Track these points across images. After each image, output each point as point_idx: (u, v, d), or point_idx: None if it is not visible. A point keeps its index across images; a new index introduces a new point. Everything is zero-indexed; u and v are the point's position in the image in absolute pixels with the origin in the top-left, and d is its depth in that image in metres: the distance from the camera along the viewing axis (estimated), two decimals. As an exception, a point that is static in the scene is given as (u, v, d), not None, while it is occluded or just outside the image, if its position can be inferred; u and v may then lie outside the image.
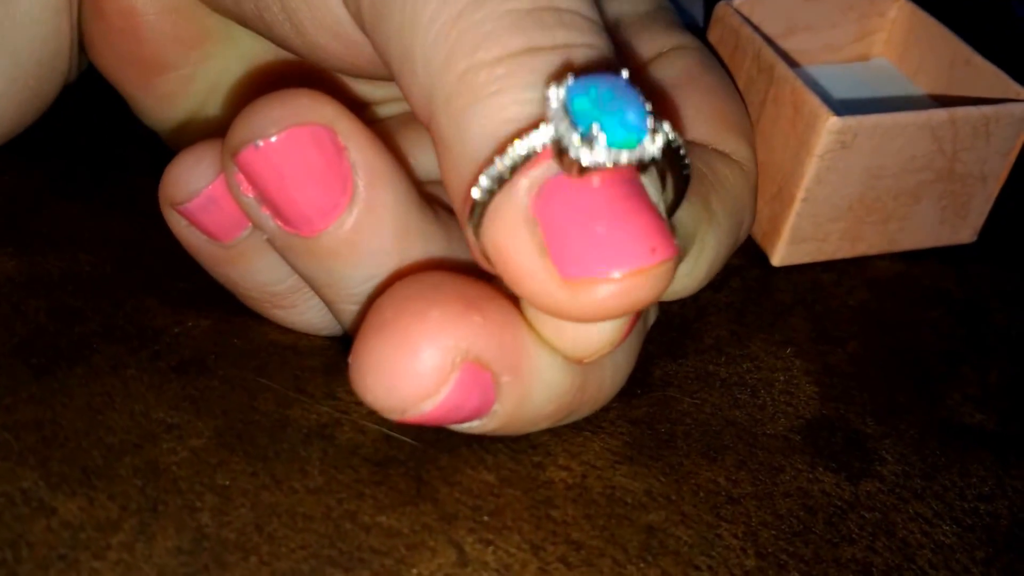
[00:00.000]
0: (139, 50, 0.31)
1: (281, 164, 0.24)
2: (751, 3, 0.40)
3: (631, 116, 0.20)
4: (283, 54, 0.32)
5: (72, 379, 0.29)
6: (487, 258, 0.23)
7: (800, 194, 0.35)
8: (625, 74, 0.21)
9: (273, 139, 0.24)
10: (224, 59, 0.32)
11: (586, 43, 0.22)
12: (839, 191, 0.35)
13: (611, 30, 0.29)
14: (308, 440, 0.28)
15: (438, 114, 0.22)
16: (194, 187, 0.27)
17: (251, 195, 0.25)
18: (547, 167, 0.21)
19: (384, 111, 0.33)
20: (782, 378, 0.33)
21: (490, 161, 0.21)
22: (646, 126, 0.21)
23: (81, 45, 0.32)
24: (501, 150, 0.21)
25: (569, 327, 0.24)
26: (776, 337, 0.34)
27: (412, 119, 0.31)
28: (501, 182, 0.21)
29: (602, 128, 0.20)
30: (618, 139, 0.20)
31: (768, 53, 0.37)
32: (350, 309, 0.27)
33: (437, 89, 0.22)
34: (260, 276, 0.29)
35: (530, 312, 0.24)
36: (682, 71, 0.30)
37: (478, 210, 0.22)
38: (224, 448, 0.27)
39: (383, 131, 0.31)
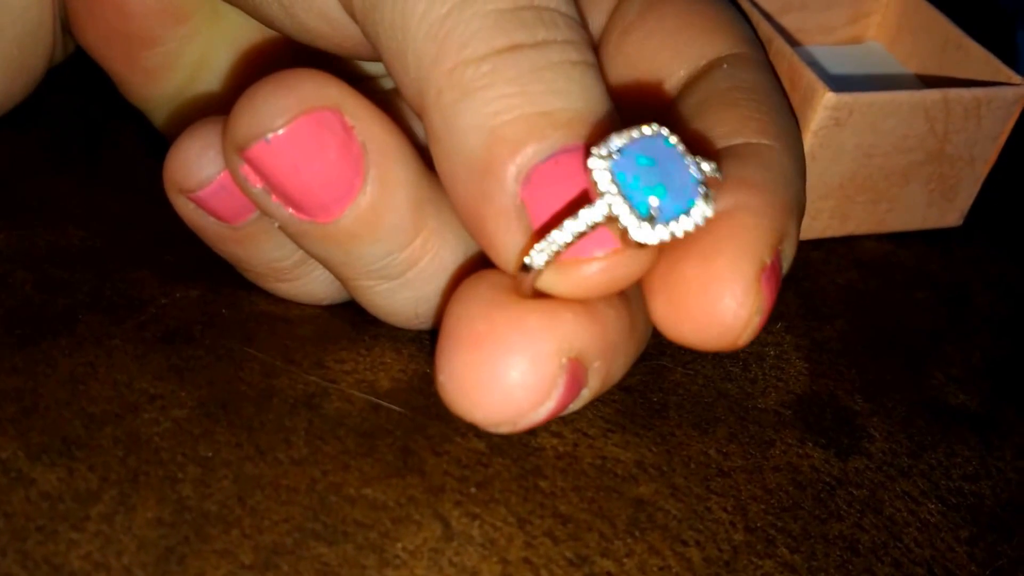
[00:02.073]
0: (124, 25, 0.30)
1: (293, 155, 0.23)
2: None
3: (684, 182, 0.21)
4: (269, 31, 0.31)
5: (55, 349, 0.27)
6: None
7: None
8: (664, 131, 0.22)
9: (281, 131, 0.23)
10: (211, 35, 0.31)
11: (565, 39, 0.23)
12: (831, 169, 0.35)
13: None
14: (294, 410, 0.27)
15: (429, 108, 0.23)
16: (205, 174, 0.26)
17: (260, 186, 0.24)
18: (531, 155, 0.22)
19: (385, 84, 0.32)
20: (773, 352, 0.32)
21: (546, 231, 0.22)
22: (698, 192, 0.21)
23: (66, 24, 0.31)
24: (508, 155, 0.22)
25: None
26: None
27: None
28: (556, 255, 0.22)
29: (660, 206, 0.21)
30: (675, 212, 0.21)
31: (766, 27, 0.36)
32: (367, 284, 0.27)
33: (427, 84, 0.23)
34: (267, 254, 0.28)
35: None
36: None
37: (531, 276, 0.22)
38: (208, 419, 0.26)
39: (384, 103, 0.29)
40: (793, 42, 0.41)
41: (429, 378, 0.28)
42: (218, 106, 0.31)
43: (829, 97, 0.33)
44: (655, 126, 0.22)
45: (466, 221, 0.23)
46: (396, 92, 0.31)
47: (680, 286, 0.23)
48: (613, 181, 0.21)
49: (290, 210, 0.24)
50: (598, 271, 0.22)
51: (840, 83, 0.33)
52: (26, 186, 0.33)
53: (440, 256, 0.26)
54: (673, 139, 0.22)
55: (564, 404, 0.24)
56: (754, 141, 0.25)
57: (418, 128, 0.29)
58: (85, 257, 0.31)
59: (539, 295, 0.23)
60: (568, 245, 0.21)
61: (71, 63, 0.32)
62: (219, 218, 0.27)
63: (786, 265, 0.25)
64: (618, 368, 0.25)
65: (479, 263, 0.27)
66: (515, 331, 0.23)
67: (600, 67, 0.24)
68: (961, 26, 0.38)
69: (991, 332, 0.35)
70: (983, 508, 0.28)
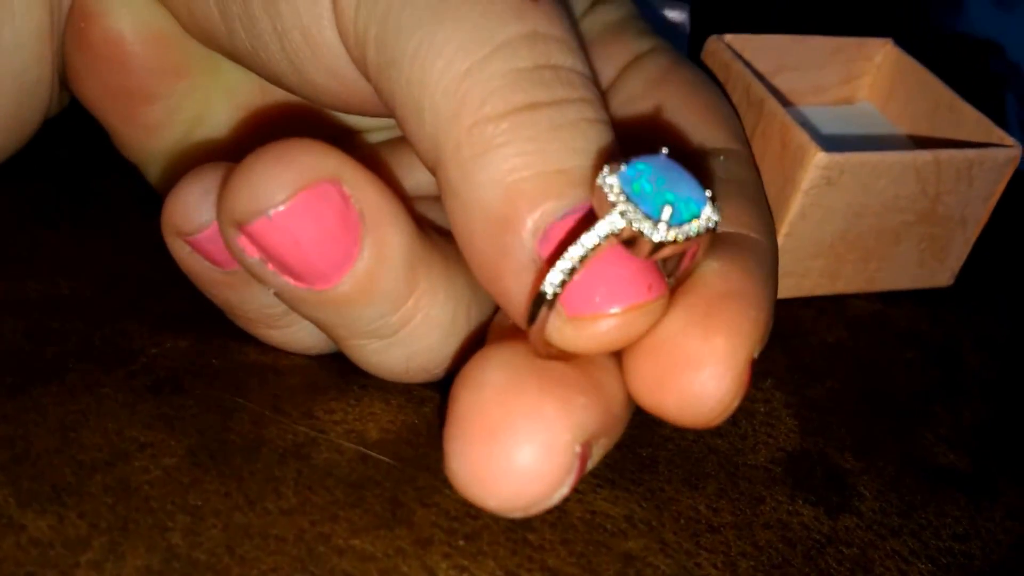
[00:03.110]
0: (124, 80, 0.30)
1: (292, 230, 0.23)
2: (742, 40, 0.39)
3: (689, 191, 0.21)
4: (268, 85, 0.31)
5: (46, 397, 0.27)
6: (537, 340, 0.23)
7: (784, 229, 0.34)
8: (665, 150, 0.22)
9: (283, 207, 0.23)
10: (209, 90, 0.31)
11: (582, 98, 0.23)
12: (822, 227, 0.34)
13: (587, 45, 0.29)
14: (283, 460, 0.26)
15: (446, 162, 0.23)
16: (204, 219, 0.26)
17: (257, 256, 0.24)
18: (548, 212, 0.22)
19: (373, 138, 0.32)
20: (763, 409, 0.32)
21: (557, 256, 0.21)
22: (705, 196, 0.22)
23: (63, 78, 0.31)
24: (519, 207, 0.22)
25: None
26: (757, 369, 0.33)
27: (398, 143, 0.31)
28: (572, 274, 0.21)
29: (672, 208, 0.21)
30: (686, 215, 0.21)
31: (758, 88, 0.36)
32: (359, 344, 0.27)
33: (445, 139, 0.23)
34: (259, 299, 0.27)
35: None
36: (659, 70, 0.29)
37: (545, 305, 0.22)
38: (197, 467, 0.26)
39: (374, 156, 0.30)
40: (785, 102, 0.41)
41: (418, 429, 0.28)
42: (215, 157, 0.30)
43: (820, 157, 0.32)
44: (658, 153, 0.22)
45: (482, 275, 0.23)
46: (383, 146, 0.31)
47: (672, 357, 0.23)
48: (623, 191, 0.21)
49: (286, 278, 0.24)
50: (615, 326, 0.22)
51: (832, 143, 0.33)
52: (17, 238, 0.33)
53: (432, 314, 0.26)
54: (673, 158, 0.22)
55: (574, 485, 0.23)
56: (745, 233, 0.25)
57: (403, 176, 0.29)
58: (75, 307, 0.31)
59: (555, 354, 0.23)
60: (584, 260, 0.21)
61: (62, 115, 0.32)
62: (214, 262, 0.26)
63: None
64: (617, 437, 0.25)
65: (470, 318, 0.27)
66: (531, 421, 0.22)
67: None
68: (952, 87, 0.38)
69: (981, 393, 0.35)
70: (973, 568, 0.28)
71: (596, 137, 0.23)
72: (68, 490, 0.25)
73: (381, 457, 0.27)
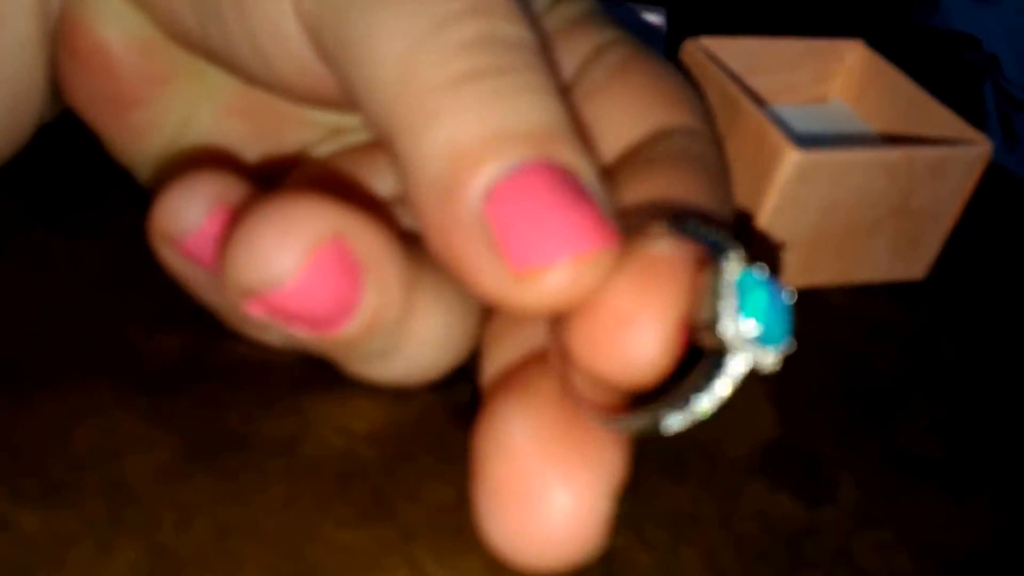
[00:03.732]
0: (111, 86, 0.30)
1: (306, 295, 0.23)
2: (716, 43, 0.39)
3: (780, 331, 0.21)
4: (251, 88, 0.31)
5: (39, 396, 0.27)
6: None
7: (759, 225, 0.34)
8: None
9: (296, 277, 0.23)
10: (194, 94, 0.31)
11: (528, 65, 0.23)
12: (797, 223, 0.35)
13: (546, 38, 0.28)
14: (271, 455, 0.27)
15: (396, 139, 0.23)
16: (190, 223, 0.26)
17: (263, 314, 0.24)
18: (491, 173, 0.21)
19: (360, 136, 0.32)
20: (742, 401, 0.31)
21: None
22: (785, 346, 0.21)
23: (56, 85, 0.31)
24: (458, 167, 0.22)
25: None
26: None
27: (374, 145, 0.31)
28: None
29: (762, 334, 0.21)
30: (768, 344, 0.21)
31: (733, 88, 0.36)
32: (360, 366, 0.27)
33: (393, 115, 0.22)
34: None
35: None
36: (620, 59, 0.29)
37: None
38: (188, 464, 0.26)
39: (353, 160, 0.30)
40: (760, 102, 0.41)
41: (404, 424, 0.28)
42: (203, 160, 0.31)
43: (795, 155, 0.33)
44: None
45: (438, 252, 0.23)
46: (357, 149, 0.31)
47: (603, 315, 0.22)
48: (734, 289, 0.21)
49: (294, 328, 0.25)
50: (557, 281, 0.21)
51: (806, 141, 0.33)
52: (12, 238, 0.33)
53: (428, 330, 0.26)
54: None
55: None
56: (694, 200, 0.25)
57: (375, 182, 0.30)
58: (69, 305, 0.31)
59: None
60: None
61: (60, 119, 0.32)
62: (203, 267, 0.26)
63: None
64: None
65: (465, 322, 0.27)
66: (566, 492, 0.23)
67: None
68: (931, 80, 0.38)
69: (957, 383, 0.35)
70: (953, 558, 0.28)
71: (540, 100, 0.22)
72: (60, 486, 0.25)
73: (368, 452, 0.27)
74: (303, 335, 0.25)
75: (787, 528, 0.28)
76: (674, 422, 0.21)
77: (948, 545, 0.28)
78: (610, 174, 0.26)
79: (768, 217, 0.34)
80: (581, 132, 0.24)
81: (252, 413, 0.28)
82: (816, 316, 0.36)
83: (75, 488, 0.25)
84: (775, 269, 0.35)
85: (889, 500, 0.29)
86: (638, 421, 0.22)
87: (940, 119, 0.38)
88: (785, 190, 0.33)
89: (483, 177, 0.21)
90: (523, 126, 0.22)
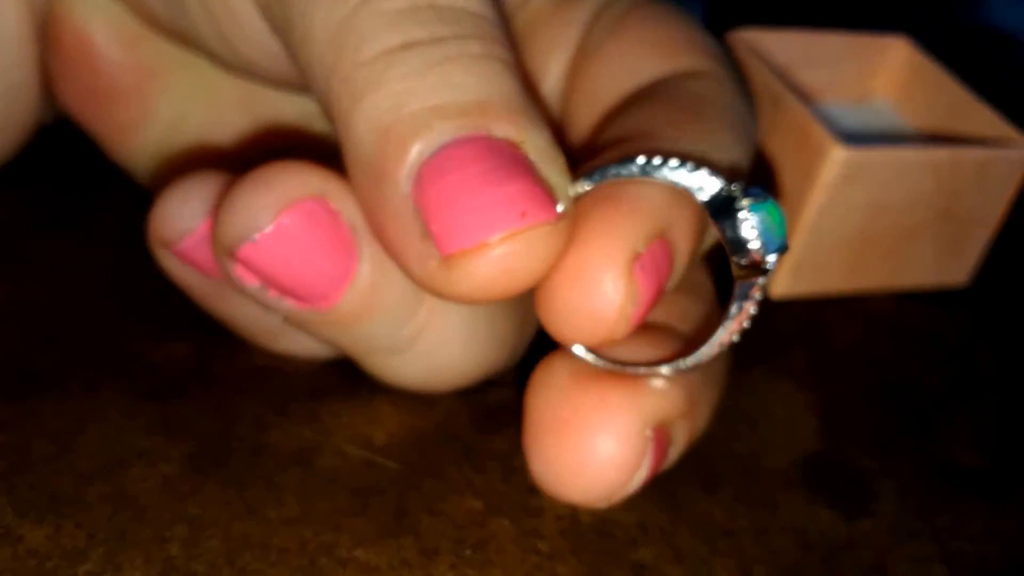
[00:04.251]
0: (95, 81, 0.29)
1: (283, 250, 0.23)
2: (757, 36, 0.38)
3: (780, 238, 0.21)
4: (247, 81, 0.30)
5: (44, 404, 0.26)
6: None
7: (803, 224, 0.33)
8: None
9: (268, 229, 0.22)
10: (185, 88, 0.30)
11: (467, 34, 0.22)
12: (841, 224, 0.33)
13: (553, 9, 0.28)
14: (285, 466, 0.26)
15: (333, 118, 0.22)
16: (186, 226, 0.25)
17: (256, 283, 0.23)
18: (419, 152, 0.20)
19: None
20: (781, 411, 0.31)
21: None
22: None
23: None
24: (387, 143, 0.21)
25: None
26: (776, 369, 0.32)
27: None
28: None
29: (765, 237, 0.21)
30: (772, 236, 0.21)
31: (776, 83, 0.35)
32: (377, 361, 0.26)
33: (330, 93, 0.22)
34: (255, 310, 0.27)
35: None
36: (623, 9, 0.28)
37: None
38: (197, 475, 0.25)
39: None
40: (803, 99, 0.39)
41: (426, 433, 0.27)
42: (201, 158, 0.30)
43: (839, 152, 0.32)
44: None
45: (373, 231, 0.22)
46: None
47: (554, 276, 0.21)
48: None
49: (289, 302, 0.24)
50: (485, 264, 0.20)
51: (850, 140, 0.32)
52: (20, 243, 0.33)
53: (447, 324, 0.25)
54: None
55: (655, 469, 0.24)
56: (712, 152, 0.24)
57: None
58: (76, 311, 0.30)
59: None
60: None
61: (62, 119, 0.32)
62: (203, 271, 0.26)
63: (680, 261, 0.23)
64: (703, 419, 0.25)
65: (495, 325, 0.26)
66: (599, 412, 0.23)
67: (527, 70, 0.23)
68: (974, 81, 0.37)
69: (998, 392, 0.33)
70: (990, 571, 0.27)
71: (479, 70, 0.21)
72: (66, 500, 0.24)
73: (387, 462, 0.26)
74: (297, 311, 0.24)
75: (823, 542, 0.27)
76: (702, 355, 0.22)
77: (985, 558, 0.27)
78: (603, 123, 0.25)
79: (813, 218, 0.33)
80: (536, 100, 0.23)
81: (265, 422, 0.27)
82: (857, 325, 0.35)
83: (81, 501, 0.24)
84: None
85: (928, 512, 0.28)
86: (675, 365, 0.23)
87: (984, 120, 0.36)
88: (830, 189, 0.32)
89: (409, 160, 0.20)
90: (456, 99, 0.21)
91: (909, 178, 0.33)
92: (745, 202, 0.20)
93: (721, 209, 0.20)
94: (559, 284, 0.21)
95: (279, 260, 0.23)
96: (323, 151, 0.29)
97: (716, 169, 0.21)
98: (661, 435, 0.23)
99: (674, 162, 0.21)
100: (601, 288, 0.21)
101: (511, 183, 0.20)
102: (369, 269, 0.23)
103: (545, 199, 0.20)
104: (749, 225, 0.20)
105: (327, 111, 0.22)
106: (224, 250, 0.23)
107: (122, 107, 0.30)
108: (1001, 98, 0.37)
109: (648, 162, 0.21)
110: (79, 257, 0.32)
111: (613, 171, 0.21)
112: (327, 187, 0.23)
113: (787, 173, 0.34)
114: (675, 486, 0.27)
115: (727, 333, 0.22)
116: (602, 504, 0.24)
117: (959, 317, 0.37)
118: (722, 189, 0.21)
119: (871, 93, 0.41)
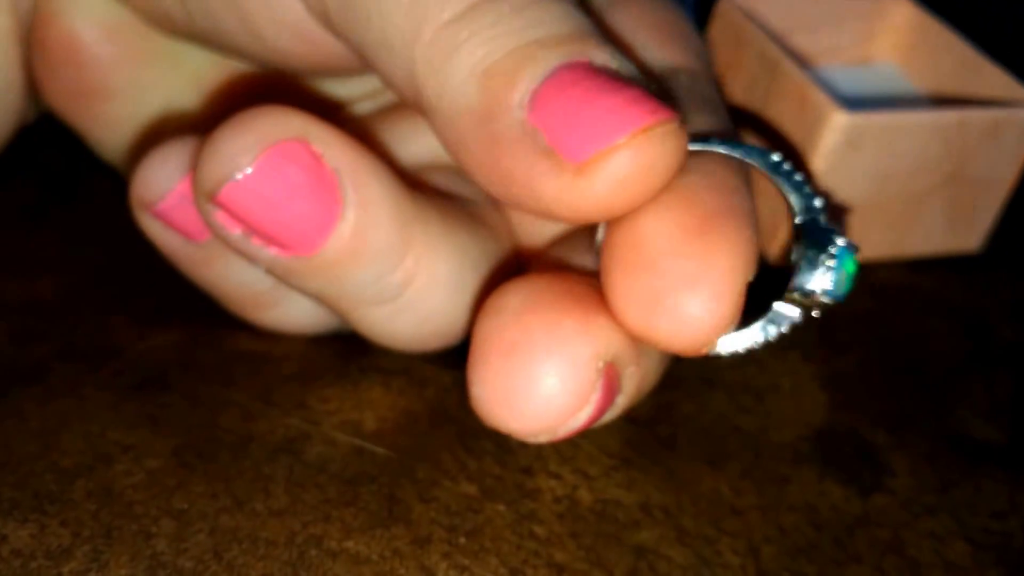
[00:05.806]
0: (81, 78, 0.29)
1: (264, 192, 0.22)
2: (753, 0, 0.37)
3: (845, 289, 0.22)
4: (233, 68, 0.30)
5: (27, 400, 0.26)
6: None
7: None
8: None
9: (249, 169, 0.22)
10: (173, 81, 0.30)
11: None
12: (844, 192, 0.32)
13: None
14: (273, 457, 0.25)
15: (421, 83, 0.22)
16: (165, 186, 0.25)
17: (238, 231, 0.23)
18: (529, 80, 0.20)
19: (359, 109, 0.31)
20: (788, 384, 0.30)
21: None
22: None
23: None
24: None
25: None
26: (782, 340, 0.31)
27: (389, 111, 0.29)
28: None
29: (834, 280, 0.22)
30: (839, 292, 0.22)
31: (772, 48, 0.34)
32: (364, 313, 0.25)
33: (415, 60, 0.22)
34: (241, 275, 0.26)
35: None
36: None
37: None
38: (183, 468, 0.24)
39: (361, 128, 0.29)
40: (802, 63, 0.38)
41: (418, 416, 0.26)
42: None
43: (840, 118, 0.30)
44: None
45: (491, 183, 0.22)
46: (372, 116, 0.30)
47: (666, 276, 0.21)
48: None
49: (273, 250, 0.23)
50: (629, 163, 0.20)
51: (852, 104, 0.31)
52: (2, 238, 0.32)
53: (435, 272, 0.25)
54: None
55: (601, 410, 0.22)
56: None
57: (397, 146, 0.28)
58: (60, 306, 0.29)
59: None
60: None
61: (47, 115, 0.31)
62: (184, 234, 0.26)
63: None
64: (652, 374, 0.24)
65: (479, 274, 0.26)
66: (550, 336, 0.21)
67: None
68: (984, 40, 0.36)
69: (1014, 363, 0.32)
70: (1012, 547, 0.26)
71: (560, 9, 0.21)
72: (50, 497, 0.23)
73: (377, 449, 0.25)
74: (282, 260, 0.23)
75: (836, 519, 0.26)
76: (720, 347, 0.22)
77: (1007, 533, 0.26)
78: None
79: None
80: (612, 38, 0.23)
81: (251, 412, 0.26)
82: (866, 294, 0.34)
83: (65, 499, 0.23)
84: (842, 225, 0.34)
85: (945, 487, 0.27)
86: None
87: (994, 80, 0.35)
88: (831, 156, 0.31)
89: (520, 89, 0.20)
90: (552, 32, 0.21)
91: (915, 143, 0.32)
92: (834, 249, 0.21)
93: (811, 239, 0.21)
94: (672, 287, 0.21)
95: (260, 202, 0.22)
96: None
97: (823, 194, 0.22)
98: (611, 373, 0.22)
99: (800, 175, 0.22)
100: (720, 306, 0.21)
101: (627, 90, 0.20)
102: (354, 213, 0.23)
103: (662, 101, 0.20)
104: (826, 271, 0.21)
105: (405, 83, 0.22)
106: (205, 195, 0.23)
107: (110, 104, 0.29)
108: (1010, 57, 0.36)
109: (781, 163, 0.22)
110: (61, 252, 0.32)
111: (742, 152, 0.22)
112: (308, 129, 0.23)
113: (786, 141, 0.33)
114: (679, 462, 0.26)
115: (743, 345, 0.22)
116: (540, 439, 0.22)
117: (972, 284, 0.35)
118: (819, 218, 0.21)
119: (873, 56, 0.40)
